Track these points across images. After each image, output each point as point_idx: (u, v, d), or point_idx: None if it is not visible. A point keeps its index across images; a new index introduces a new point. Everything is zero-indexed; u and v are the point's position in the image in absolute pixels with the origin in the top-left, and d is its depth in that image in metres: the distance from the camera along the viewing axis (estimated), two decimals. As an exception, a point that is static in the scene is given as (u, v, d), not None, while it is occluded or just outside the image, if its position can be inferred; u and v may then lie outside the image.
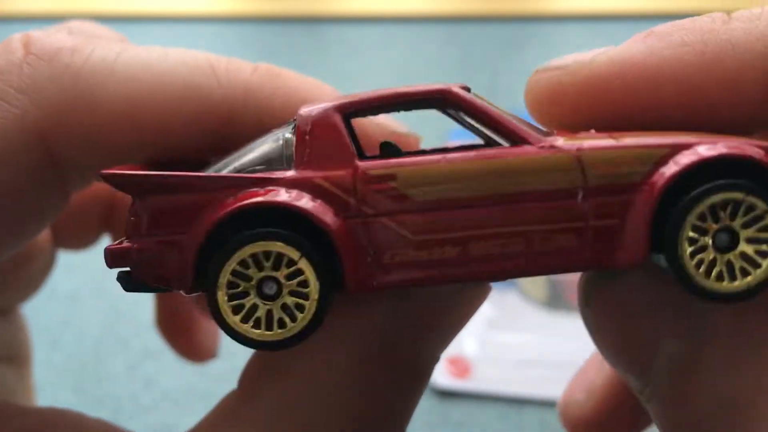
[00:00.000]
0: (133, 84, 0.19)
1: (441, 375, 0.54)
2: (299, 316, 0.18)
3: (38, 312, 0.61)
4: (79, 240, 0.32)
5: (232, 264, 0.18)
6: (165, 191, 0.19)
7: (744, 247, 0.18)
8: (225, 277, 0.18)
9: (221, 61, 0.21)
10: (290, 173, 0.19)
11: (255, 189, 0.19)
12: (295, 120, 0.20)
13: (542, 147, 0.19)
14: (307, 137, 0.19)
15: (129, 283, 0.19)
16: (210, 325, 0.34)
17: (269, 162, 0.19)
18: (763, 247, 0.18)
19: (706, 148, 0.18)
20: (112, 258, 0.19)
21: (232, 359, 0.56)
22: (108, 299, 0.63)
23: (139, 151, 0.20)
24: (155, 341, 0.59)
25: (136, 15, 1.07)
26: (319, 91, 0.22)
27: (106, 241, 0.33)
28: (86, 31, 0.24)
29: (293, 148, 0.19)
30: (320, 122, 0.19)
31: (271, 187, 0.19)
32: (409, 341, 0.20)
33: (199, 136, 0.20)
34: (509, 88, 0.89)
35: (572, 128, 0.20)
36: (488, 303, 0.24)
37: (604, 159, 0.19)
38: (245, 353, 0.56)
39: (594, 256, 0.19)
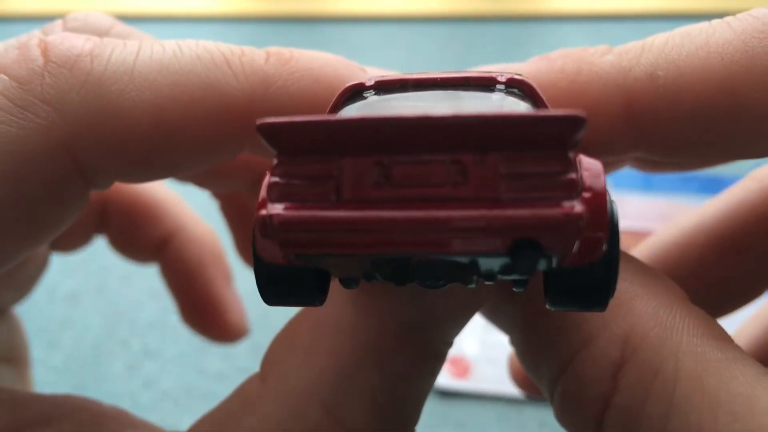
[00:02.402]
0: (152, 87, 0.19)
1: (441, 375, 0.54)
2: None
3: (38, 312, 0.61)
4: (73, 242, 0.32)
5: None
6: None
7: None
8: None
9: (235, 53, 0.20)
10: None
11: None
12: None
13: None
14: None
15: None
16: (235, 303, 0.34)
17: None
18: None
19: None
20: None
21: (232, 359, 0.57)
22: (108, 299, 0.63)
23: (163, 154, 0.20)
24: (155, 341, 0.59)
25: (136, 15, 1.07)
26: (331, 67, 0.21)
27: (99, 243, 0.33)
28: (85, 23, 0.24)
29: None
30: None
31: None
32: (430, 326, 0.20)
33: (220, 135, 0.20)
34: (509, 88, 0.88)
35: None
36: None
37: None
38: (245, 353, 0.55)
39: None
